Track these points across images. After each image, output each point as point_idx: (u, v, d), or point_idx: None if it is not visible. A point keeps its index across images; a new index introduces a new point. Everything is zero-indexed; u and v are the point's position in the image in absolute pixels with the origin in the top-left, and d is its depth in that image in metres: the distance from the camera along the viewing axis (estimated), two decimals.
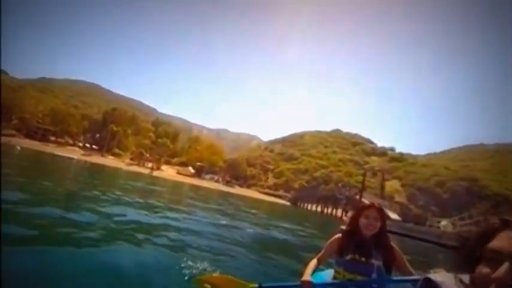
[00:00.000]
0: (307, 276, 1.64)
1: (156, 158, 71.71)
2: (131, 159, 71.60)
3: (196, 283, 2.10)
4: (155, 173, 55.35)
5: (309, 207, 57.40)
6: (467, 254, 0.56)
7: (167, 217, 7.34)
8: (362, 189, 52.08)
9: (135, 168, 55.02)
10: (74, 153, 50.63)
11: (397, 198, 77.19)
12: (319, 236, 11.40)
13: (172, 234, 5.33)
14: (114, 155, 69.98)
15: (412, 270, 1.66)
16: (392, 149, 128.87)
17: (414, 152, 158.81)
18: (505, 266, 0.46)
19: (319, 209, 55.17)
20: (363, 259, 1.67)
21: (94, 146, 72.70)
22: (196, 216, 8.99)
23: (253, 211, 17.42)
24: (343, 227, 1.88)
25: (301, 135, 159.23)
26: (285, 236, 9.06)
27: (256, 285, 1.81)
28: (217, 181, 76.83)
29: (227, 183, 78.41)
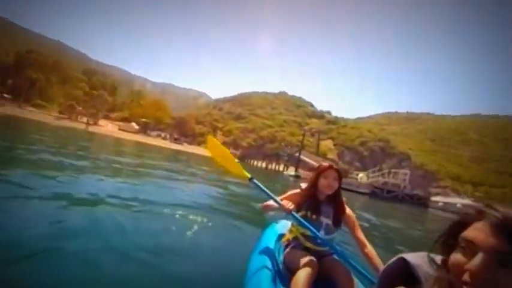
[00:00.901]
0: (283, 202, 1.80)
1: (91, 111, 64.59)
2: (60, 112, 63.02)
3: (209, 141, 2.40)
4: (92, 129, 48.63)
5: (256, 164, 63.04)
6: (444, 240, 0.57)
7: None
8: (301, 148, 59.66)
9: (66, 123, 47.59)
10: None
11: (330, 156, 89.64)
12: (268, 186, 14.75)
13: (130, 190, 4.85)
14: (36, 106, 60.88)
15: (361, 232, 1.74)
16: (329, 113, 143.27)
17: (346, 116, 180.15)
18: (479, 257, 0.47)
19: (264, 165, 61.22)
20: (314, 216, 1.76)
21: (6, 95, 60.25)
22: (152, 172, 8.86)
23: (204, 168, 17.32)
24: (303, 185, 1.95)
25: (249, 96, 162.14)
26: (242, 188, 9.90)
27: (249, 175, 1.94)
28: (164, 138, 74.83)
29: (175, 140, 77.99)
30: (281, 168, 55.46)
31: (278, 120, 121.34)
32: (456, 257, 0.51)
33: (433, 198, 33.79)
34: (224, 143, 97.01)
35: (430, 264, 0.60)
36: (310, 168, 50.75)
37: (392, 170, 41.79)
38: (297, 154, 56.71)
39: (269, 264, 1.71)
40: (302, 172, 45.34)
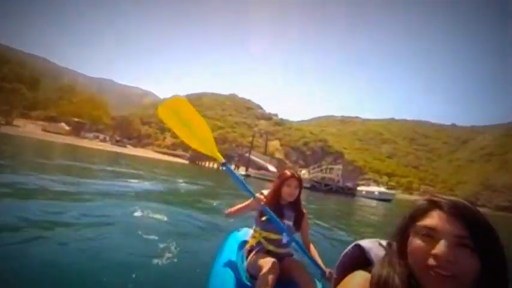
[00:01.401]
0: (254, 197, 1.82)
1: (3, 109, 53.90)
2: None
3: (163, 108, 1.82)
4: (4, 130, 39.90)
5: (207, 165, 63.89)
6: (402, 229, 0.62)
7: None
8: (251, 148, 63.55)
9: None
10: None
11: (277, 155, 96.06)
12: (217, 186, 13.78)
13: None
14: None
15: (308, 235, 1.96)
16: (276, 115, 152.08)
17: (291, 119, 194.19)
18: (442, 242, 0.53)
19: (215, 166, 62.43)
20: (278, 220, 1.82)
21: None
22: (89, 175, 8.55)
23: (156, 170, 16.63)
24: (264, 191, 2.00)
25: (199, 96, 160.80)
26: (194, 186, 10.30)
27: (223, 159, 1.86)
28: (103, 140, 68.15)
29: (117, 142, 72.78)
30: (232, 169, 58.10)
31: (229, 121, 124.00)
32: (417, 243, 0.56)
33: (359, 188, 41.05)
34: (173, 145, 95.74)
35: (381, 247, 0.70)
36: (259, 167, 54.99)
37: (329, 166, 48.88)
38: (247, 154, 60.36)
39: (231, 271, 1.75)
40: (252, 171, 49.03)
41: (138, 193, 6.57)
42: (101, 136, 71.31)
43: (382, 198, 36.14)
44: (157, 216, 4.27)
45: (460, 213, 0.55)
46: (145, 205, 4.80)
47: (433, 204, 0.59)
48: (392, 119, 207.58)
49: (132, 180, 9.08)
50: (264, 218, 1.89)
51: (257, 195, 1.85)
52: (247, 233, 2.25)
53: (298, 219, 1.95)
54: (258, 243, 1.89)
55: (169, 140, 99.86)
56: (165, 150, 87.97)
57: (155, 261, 2.59)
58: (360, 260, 0.71)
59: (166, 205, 5.45)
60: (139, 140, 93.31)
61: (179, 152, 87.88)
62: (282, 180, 1.94)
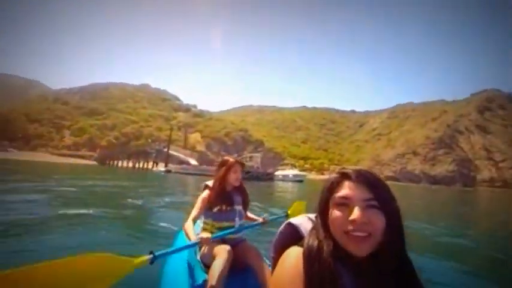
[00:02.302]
0: (193, 235, 1.71)
1: None
2: None
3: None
4: None
5: (120, 164, 58.06)
6: (322, 203, 0.71)
7: None
8: (169, 143, 60.86)
9: None
10: None
11: (198, 148, 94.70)
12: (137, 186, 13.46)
13: None
14: None
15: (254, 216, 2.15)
16: (195, 106, 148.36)
17: (211, 109, 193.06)
18: (356, 208, 0.63)
19: (130, 164, 57.43)
20: (228, 208, 1.92)
21: None
22: None
23: (56, 176, 15.21)
24: (208, 183, 2.03)
25: (105, 87, 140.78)
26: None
27: (148, 256, 1.38)
28: None
29: None
30: (150, 166, 54.57)
31: (143, 114, 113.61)
32: (336, 213, 0.65)
33: (276, 173, 45.12)
34: (75, 145, 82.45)
35: (310, 221, 0.79)
36: (180, 161, 53.44)
37: (249, 155, 51.78)
38: (165, 149, 57.59)
39: (185, 264, 1.77)
40: (173, 167, 47.40)
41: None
42: None
43: (296, 180, 40.99)
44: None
45: (365, 179, 0.66)
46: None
47: (343, 176, 0.69)
48: (305, 107, 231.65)
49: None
50: (215, 209, 1.94)
51: (200, 236, 1.69)
52: (198, 225, 2.16)
53: (246, 201, 2.10)
54: (211, 233, 1.86)
55: (69, 139, 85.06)
56: (64, 151, 75.19)
57: None
58: (294, 236, 0.76)
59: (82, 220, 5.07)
60: (26, 142, 76.28)
61: (84, 152, 76.72)
62: (228, 167, 2.03)
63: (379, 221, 0.63)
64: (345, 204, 0.65)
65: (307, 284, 0.62)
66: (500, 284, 3.51)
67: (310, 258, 0.65)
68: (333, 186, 0.69)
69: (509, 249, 5.81)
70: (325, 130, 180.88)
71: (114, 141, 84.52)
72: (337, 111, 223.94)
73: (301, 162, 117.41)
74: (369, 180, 0.66)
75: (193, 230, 1.81)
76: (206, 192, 2.01)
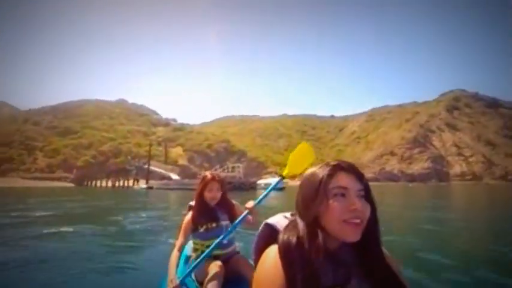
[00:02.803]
0: (172, 275, 1.69)
1: None
2: None
3: None
4: None
5: (99, 184, 56.13)
6: (313, 195, 0.70)
7: None
8: (149, 158, 59.70)
9: None
10: None
11: (181, 162, 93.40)
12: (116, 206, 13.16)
13: None
14: None
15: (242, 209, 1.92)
16: (174, 120, 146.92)
17: (191, 122, 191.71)
18: (356, 198, 0.66)
19: (110, 183, 55.61)
20: (214, 225, 1.88)
21: None
22: None
23: (31, 200, 14.85)
24: (192, 203, 2.00)
25: (80, 105, 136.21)
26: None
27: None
28: None
29: None
30: (131, 184, 53.18)
31: (120, 131, 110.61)
32: (336, 203, 0.66)
33: (258, 182, 45.42)
34: (49, 166, 78.54)
35: (286, 219, 0.79)
36: (161, 177, 52.55)
37: (231, 165, 51.86)
38: (146, 166, 56.43)
39: (181, 284, 1.74)
40: (154, 183, 46.53)
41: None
42: None
43: (277, 188, 41.47)
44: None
45: (356, 171, 0.71)
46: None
47: (337, 168, 0.70)
48: (286, 115, 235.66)
49: None
50: (202, 230, 1.91)
51: (169, 279, 1.69)
52: (189, 248, 2.17)
53: (231, 214, 1.98)
54: (202, 252, 1.86)
55: (42, 161, 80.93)
56: (37, 174, 71.33)
57: None
58: (274, 236, 0.76)
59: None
60: None
61: (59, 173, 73.17)
62: (203, 185, 1.95)
63: (369, 209, 0.67)
64: (342, 194, 0.66)
65: (288, 283, 0.62)
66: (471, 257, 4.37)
67: (289, 256, 0.65)
68: (325, 179, 0.69)
69: (477, 230, 7.07)
70: (307, 136, 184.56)
71: (91, 160, 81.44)
72: (317, 117, 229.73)
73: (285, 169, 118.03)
74: (358, 171, 0.71)
75: (174, 266, 1.78)
76: (189, 214, 1.99)
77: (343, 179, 0.68)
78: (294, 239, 0.67)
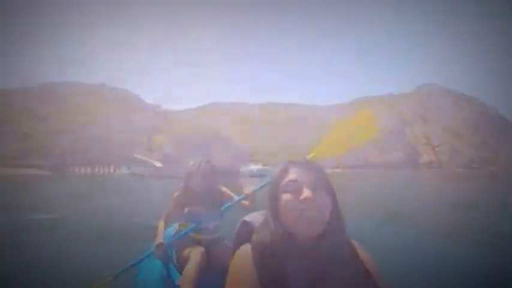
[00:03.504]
0: (160, 238, 1.76)
1: None
2: None
3: None
4: None
5: (77, 171, 54.39)
6: (272, 192, 0.73)
7: None
8: (132, 145, 58.34)
9: None
10: None
11: (164, 149, 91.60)
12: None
13: None
14: None
15: (233, 195, 1.97)
16: (158, 107, 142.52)
17: (176, 108, 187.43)
18: (305, 189, 0.67)
19: (89, 170, 54.19)
20: (198, 208, 1.88)
21: None
22: None
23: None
24: (181, 184, 2.01)
25: (53, 88, 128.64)
26: None
27: (111, 277, 1.73)
28: None
29: None
30: (112, 170, 52.18)
31: (100, 116, 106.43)
32: (287, 196, 0.68)
33: (241, 169, 45.88)
34: (23, 153, 74.04)
35: (262, 216, 0.79)
36: (144, 164, 51.58)
37: (215, 153, 51.59)
38: (127, 153, 55.21)
39: (159, 269, 1.76)
40: (137, 170, 45.80)
41: None
42: None
43: (259, 175, 42.09)
44: None
45: (309, 164, 0.73)
46: None
47: (290, 164, 0.74)
48: (273, 103, 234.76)
49: None
50: (186, 210, 1.92)
51: (156, 243, 1.78)
52: (174, 230, 2.14)
53: (217, 201, 1.96)
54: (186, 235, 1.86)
55: (14, 147, 76.20)
56: (8, 162, 67.36)
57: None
58: (251, 233, 0.76)
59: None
60: None
61: (32, 160, 69.39)
62: (194, 170, 1.97)
63: (327, 199, 0.67)
64: (294, 187, 0.68)
65: (260, 284, 0.62)
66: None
67: (263, 255, 0.65)
68: (280, 175, 0.72)
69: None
70: (293, 124, 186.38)
71: (68, 146, 77.85)
72: (303, 105, 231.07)
73: (272, 158, 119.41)
74: (312, 165, 0.73)
75: (161, 232, 1.86)
76: (177, 193, 2.02)
77: (294, 173, 0.70)
78: (265, 239, 0.68)
